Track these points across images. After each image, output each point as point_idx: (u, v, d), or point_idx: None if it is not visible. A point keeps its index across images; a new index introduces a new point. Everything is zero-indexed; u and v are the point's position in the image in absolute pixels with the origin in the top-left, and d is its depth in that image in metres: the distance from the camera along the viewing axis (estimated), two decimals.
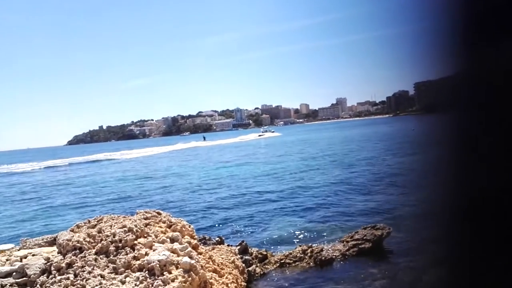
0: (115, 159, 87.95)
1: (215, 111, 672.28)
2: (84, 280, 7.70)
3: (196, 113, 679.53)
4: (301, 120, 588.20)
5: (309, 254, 13.63)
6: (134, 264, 8.13)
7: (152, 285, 7.59)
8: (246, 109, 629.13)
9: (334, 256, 13.54)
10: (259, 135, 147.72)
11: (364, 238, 14.00)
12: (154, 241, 8.93)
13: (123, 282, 7.68)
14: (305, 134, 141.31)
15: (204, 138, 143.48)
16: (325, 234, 16.38)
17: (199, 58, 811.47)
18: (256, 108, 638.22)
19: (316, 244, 14.67)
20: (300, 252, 13.79)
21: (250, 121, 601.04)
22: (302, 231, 17.00)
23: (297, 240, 15.86)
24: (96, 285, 7.57)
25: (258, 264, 13.38)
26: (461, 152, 1.64)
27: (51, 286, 7.73)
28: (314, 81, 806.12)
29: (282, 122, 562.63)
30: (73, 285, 7.67)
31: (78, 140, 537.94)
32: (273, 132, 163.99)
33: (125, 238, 8.80)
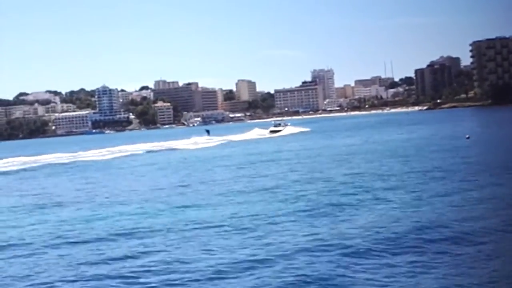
0: None
1: (57, 93, 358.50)
2: None
3: (14, 97, 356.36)
4: (239, 115, 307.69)
5: None
6: None
7: None
8: (123, 90, 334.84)
9: None
10: (271, 131, 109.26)
11: None
12: None
13: None
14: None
15: (208, 132, 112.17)
16: None
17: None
18: (143, 89, 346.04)
19: None
20: None
21: (131, 115, 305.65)
22: None
23: None
24: None
25: None
26: None
27: None
28: (263, 37, 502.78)
29: (199, 119, 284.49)
30: None
31: None
32: (288, 125, 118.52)
33: None
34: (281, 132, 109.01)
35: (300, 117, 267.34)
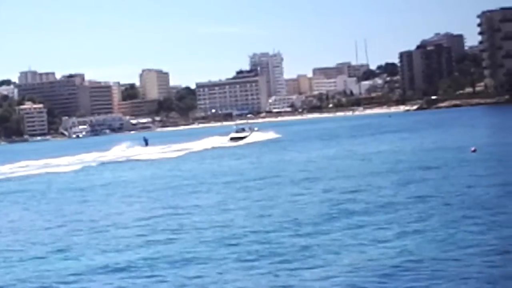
0: None
1: None
2: None
3: None
4: (145, 121, 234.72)
5: None
6: None
7: None
8: None
9: None
10: (233, 138, 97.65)
11: None
12: None
13: None
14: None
15: (146, 142, 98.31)
16: None
17: None
18: (3, 84, 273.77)
19: None
20: None
21: None
22: None
23: None
24: None
25: None
26: None
27: None
28: (183, 7, 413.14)
29: (86, 126, 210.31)
30: None
31: None
32: (256, 130, 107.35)
33: None
34: (245, 139, 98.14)
35: (232, 122, 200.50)
